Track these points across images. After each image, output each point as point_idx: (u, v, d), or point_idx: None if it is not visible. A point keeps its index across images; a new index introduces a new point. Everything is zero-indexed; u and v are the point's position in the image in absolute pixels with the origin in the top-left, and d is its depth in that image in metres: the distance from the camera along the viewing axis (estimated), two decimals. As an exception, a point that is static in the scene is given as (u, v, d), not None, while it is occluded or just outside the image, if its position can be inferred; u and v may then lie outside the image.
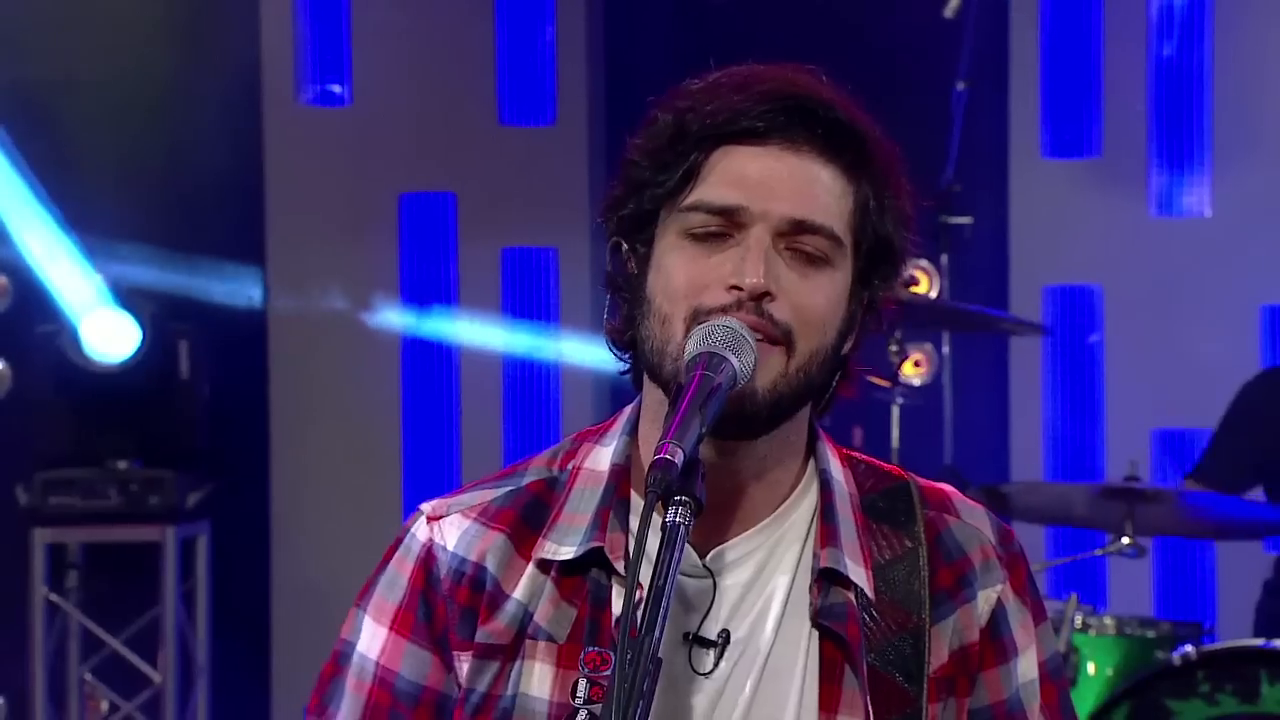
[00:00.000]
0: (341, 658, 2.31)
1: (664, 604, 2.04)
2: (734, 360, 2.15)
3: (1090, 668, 5.11)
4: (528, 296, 7.19)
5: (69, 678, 6.86)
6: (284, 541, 7.26)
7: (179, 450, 6.87)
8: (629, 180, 2.24)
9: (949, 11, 6.21)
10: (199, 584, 6.87)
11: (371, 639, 2.30)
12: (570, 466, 2.31)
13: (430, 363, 7.30)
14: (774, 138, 2.19)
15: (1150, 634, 5.17)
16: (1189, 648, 4.87)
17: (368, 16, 7.31)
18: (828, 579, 2.24)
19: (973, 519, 2.33)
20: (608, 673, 2.18)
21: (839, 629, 2.22)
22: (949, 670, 2.26)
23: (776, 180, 2.18)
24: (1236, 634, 5.58)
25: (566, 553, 2.24)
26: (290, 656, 7.17)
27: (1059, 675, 2.35)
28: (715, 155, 2.20)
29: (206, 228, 7.16)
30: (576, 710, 2.20)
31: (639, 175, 2.22)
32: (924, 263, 6.30)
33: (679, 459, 2.07)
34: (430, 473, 7.23)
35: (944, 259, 6.23)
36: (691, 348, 2.16)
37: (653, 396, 2.26)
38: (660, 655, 2.04)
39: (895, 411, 5.63)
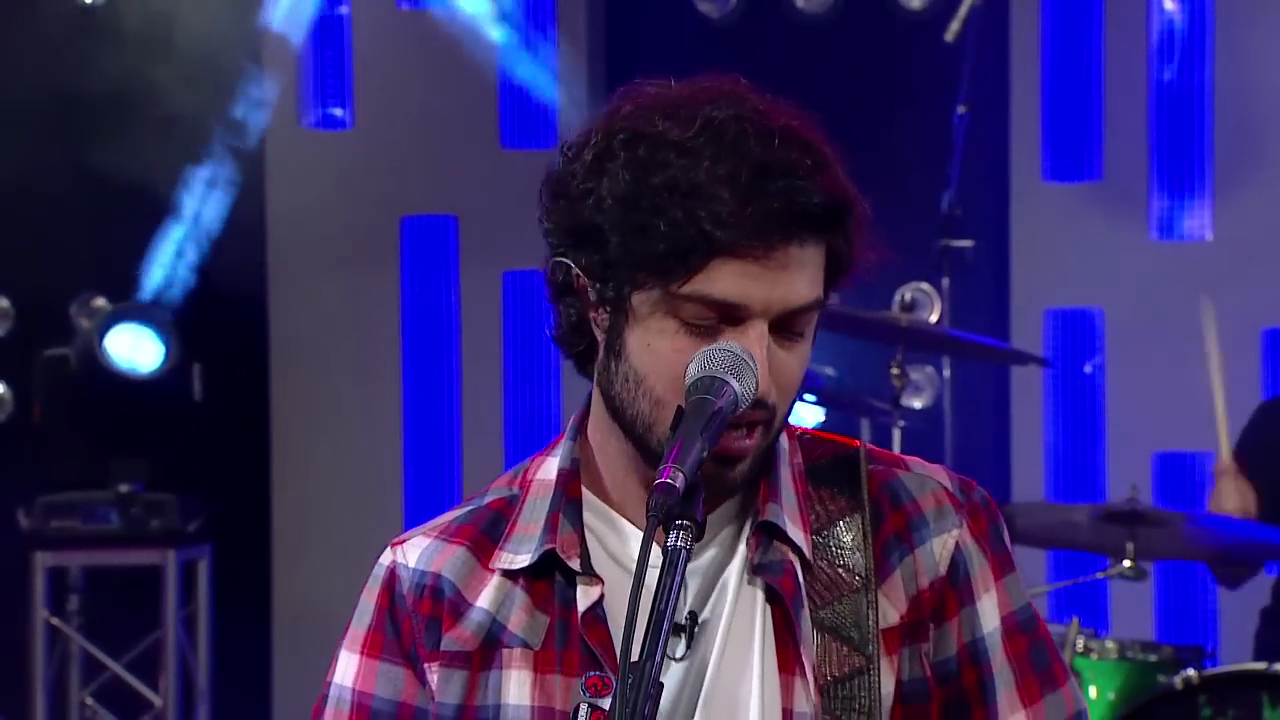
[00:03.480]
0: (323, 699, 2.34)
1: (665, 628, 2.05)
2: (735, 384, 2.15)
3: (1092, 691, 5.10)
4: (529, 320, 7.19)
5: (70, 701, 6.85)
6: (285, 565, 7.25)
7: (181, 474, 6.87)
8: (594, 226, 2.20)
9: (949, 35, 6.22)
10: (200, 608, 6.86)
11: (346, 667, 2.32)
12: (525, 481, 2.34)
13: (432, 385, 7.30)
14: (773, 239, 2.17)
15: (1152, 658, 5.17)
16: (1191, 671, 4.87)
17: (369, 40, 7.32)
18: (767, 533, 2.25)
19: (926, 471, 2.32)
20: (609, 698, 2.18)
21: (774, 582, 2.23)
22: (910, 617, 2.26)
23: (773, 275, 2.17)
24: (1238, 658, 5.57)
25: (523, 560, 2.26)
26: (291, 680, 7.16)
27: (1029, 627, 2.32)
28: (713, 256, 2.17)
29: (207, 251, 7.16)
30: (578, 733, 2.21)
31: (615, 238, 2.19)
32: (925, 286, 6.30)
33: (680, 483, 2.08)
34: (432, 496, 7.23)
35: (945, 282, 6.23)
36: (693, 371, 2.17)
37: (602, 405, 2.27)
38: (662, 680, 2.05)
39: (896, 434, 5.62)
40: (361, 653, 2.31)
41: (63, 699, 6.84)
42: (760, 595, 2.24)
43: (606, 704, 2.19)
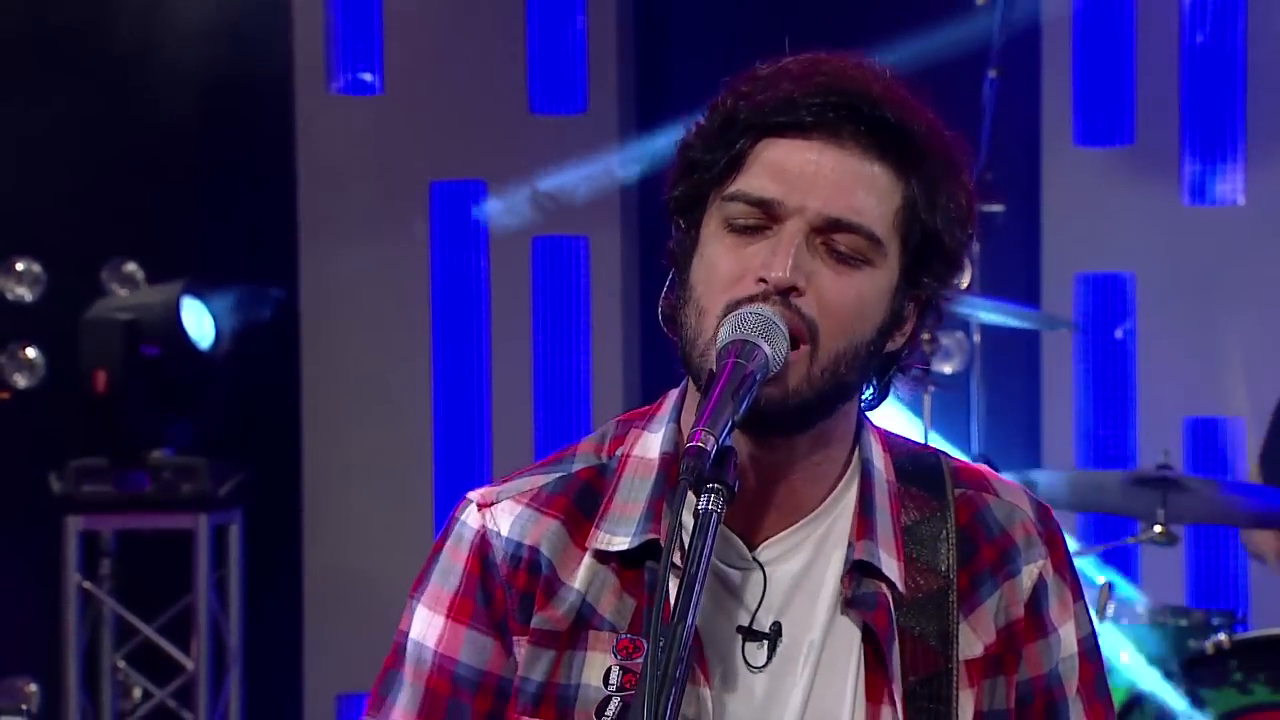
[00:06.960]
0: (399, 649, 2.31)
1: (696, 591, 2.04)
2: (765, 347, 2.14)
3: (1123, 656, 5.10)
4: (558, 285, 7.19)
5: (101, 665, 6.87)
6: (316, 529, 7.27)
7: (212, 438, 6.88)
8: (684, 162, 2.24)
9: (980, -2, 6.19)
10: (231, 572, 6.88)
11: (428, 627, 2.29)
12: (619, 453, 2.30)
13: (461, 351, 7.30)
14: (818, 132, 2.18)
15: (1183, 622, 5.16)
16: (1222, 636, 4.86)
17: (399, 4, 7.31)
18: (861, 570, 2.24)
19: (1011, 496, 2.34)
20: (640, 659, 2.18)
21: (867, 618, 2.22)
22: (997, 648, 2.27)
23: (816, 175, 2.17)
24: (1269, 622, 5.56)
25: (620, 543, 2.24)
26: (322, 644, 7.18)
27: (1095, 655, 2.35)
28: (760, 145, 2.19)
29: (238, 216, 7.17)
30: (609, 697, 2.20)
31: (692, 158, 2.23)
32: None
33: (711, 447, 2.07)
34: (462, 462, 7.23)
35: (975, 247, 6.21)
36: (723, 335, 2.16)
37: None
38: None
39: (926, 400, 5.62)
40: (448, 616, 2.28)
41: (95, 662, 6.86)
42: (854, 624, 2.24)
43: (638, 666, 2.19)
